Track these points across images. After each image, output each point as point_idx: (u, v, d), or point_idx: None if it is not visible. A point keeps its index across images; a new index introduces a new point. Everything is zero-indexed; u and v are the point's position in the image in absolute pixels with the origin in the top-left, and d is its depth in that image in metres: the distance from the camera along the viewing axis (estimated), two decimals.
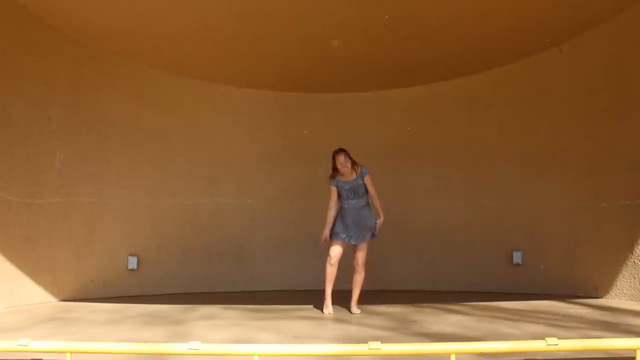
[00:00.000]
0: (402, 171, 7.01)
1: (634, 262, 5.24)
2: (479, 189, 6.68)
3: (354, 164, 4.89)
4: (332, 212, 4.91)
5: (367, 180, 4.89)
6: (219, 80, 6.84)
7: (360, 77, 6.78)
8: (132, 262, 6.26)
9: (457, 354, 2.42)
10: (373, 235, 4.87)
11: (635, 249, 5.23)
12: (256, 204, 7.02)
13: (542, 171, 6.23)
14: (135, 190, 6.37)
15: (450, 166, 6.85)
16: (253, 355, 2.39)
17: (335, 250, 4.81)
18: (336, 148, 4.93)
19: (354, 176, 4.89)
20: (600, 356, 2.94)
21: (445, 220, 6.80)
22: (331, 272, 4.83)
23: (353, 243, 4.83)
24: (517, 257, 6.38)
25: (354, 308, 4.83)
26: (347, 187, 4.87)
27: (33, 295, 5.37)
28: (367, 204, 4.89)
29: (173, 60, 6.32)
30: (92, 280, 5.96)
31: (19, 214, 5.27)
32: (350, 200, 4.84)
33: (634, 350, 2.41)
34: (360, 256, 4.84)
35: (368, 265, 4.88)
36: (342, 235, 4.80)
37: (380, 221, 4.83)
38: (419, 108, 7.04)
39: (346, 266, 4.88)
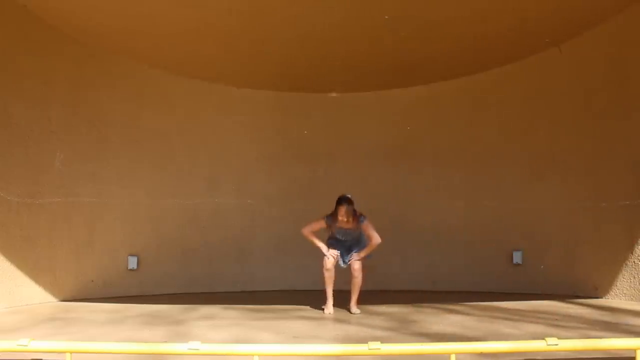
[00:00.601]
0: (402, 171, 7.01)
1: (634, 262, 5.24)
2: (479, 189, 6.68)
3: (355, 217, 4.77)
4: (312, 236, 4.89)
5: (366, 226, 4.78)
6: (219, 80, 6.84)
7: (360, 77, 6.77)
8: (132, 262, 6.26)
9: (457, 354, 2.42)
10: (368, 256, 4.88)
11: (635, 249, 5.23)
12: (256, 204, 7.01)
13: (542, 171, 6.24)
14: (135, 190, 6.37)
15: (450, 166, 6.84)
16: (253, 355, 2.39)
17: (332, 254, 4.84)
18: (343, 195, 4.81)
19: (352, 225, 4.82)
20: (600, 356, 2.94)
21: (445, 220, 6.79)
22: (328, 276, 4.84)
23: (344, 263, 4.85)
24: (517, 257, 6.38)
25: (354, 308, 4.84)
26: (342, 232, 4.86)
27: (33, 295, 5.37)
28: (360, 240, 4.90)
29: (173, 60, 6.32)
30: (92, 280, 5.96)
31: (19, 214, 5.27)
32: (345, 242, 4.88)
33: (634, 350, 2.41)
34: (356, 263, 4.82)
35: (366, 268, 4.88)
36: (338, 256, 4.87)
37: (361, 254, 4.82)
38: (419, 108, 7.03)
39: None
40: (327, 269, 4.80)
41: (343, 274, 4.92)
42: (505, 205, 6.49)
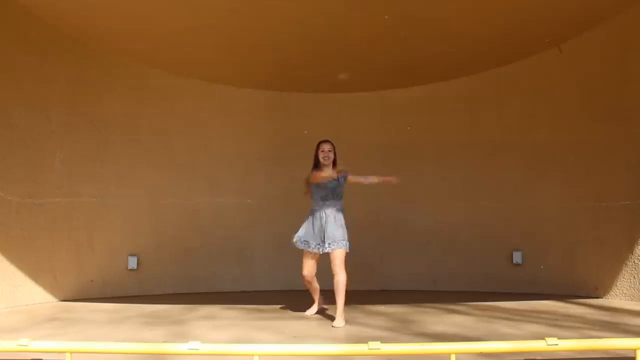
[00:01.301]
0: (402, 171, 6.98)
1: (634, 262, 5.24)
2: (479, 189, 6.68)
3: (335, 163, 4.52)
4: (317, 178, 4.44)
5: (351, 177, 4.50)
6: (219, 80, 6.84)
7: (360, 77, 6.78)
8: (132, 262, 6.26)
9: (457, 354, 2.42)
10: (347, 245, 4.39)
11: (635, 249, 5.23)
12: (256, 204, 7.02)
13: (542, 171, 6.24)
14: (135, 190, 6.37)
15: (450, 166, 6.85)
16: (253, 355, 2.39)
17: (307, 268, 4.50)
18: (322, 140, 4.61)
19: (335, 176, 4.44)
20: (600, 356, 2.94)
21: (445, 220, 6.80)
22: (311, 288, 4.64)
23: (325, 251, 4.35)
24: (517, 257, 6.38)
25: (338, 320, 4.17)
26: (329, 185, 4.44)
27: (33, 295, 5.37)
28: (341, 210, 4.48)
29: (173, 60, 6.33)
30: (92, 280, 5.97)
31: (19, 214, 5.27)
32: (327, 202, 4.44)
33: (634, 350, 2.41)
34: (337, 256, 4.29)
35: (348, 266, 4.35)
36: (311, 244, 4.42)
37: (387, 178, 4.49)
38: (419, 108, 7.04)
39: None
40: (307, 282, 4.56)
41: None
42: (505, 205, 6.50)
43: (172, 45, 5.92)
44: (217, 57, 6.25)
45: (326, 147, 4.55)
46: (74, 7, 5.16)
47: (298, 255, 6.81)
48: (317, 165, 4.59)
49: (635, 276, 5.21)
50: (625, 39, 5.40)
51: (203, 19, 5.31)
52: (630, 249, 5.27)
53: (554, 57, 6.05)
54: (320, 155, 4.54)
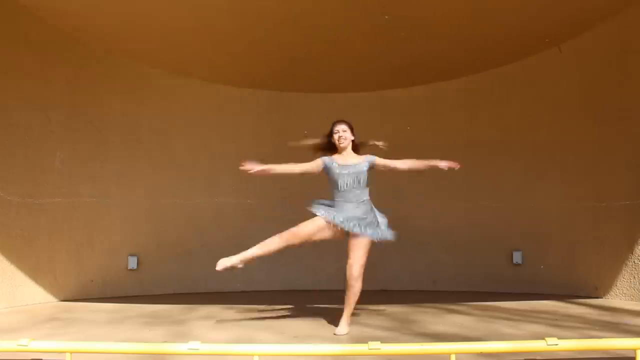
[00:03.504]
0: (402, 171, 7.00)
1: (634, 262, 5.24)
2: (479, 189, 6.68)
3: (355, 146, 3.99)
4: (290, 167, 3.97)
5: (379, 160, 3.90)
6: (219, 80, 6.84)
7: (360, 77, 6.78)
8: (132, 262, 6.26)
9: (457, 354, 2.42)
10: (377, 233, 3.89)
11: (635, 248, 5.23)
12: (256, 204, 7.01)
13: (542, 171, 6.24)
14: (135, 190, 6.37)
15: None
16: (253, 355, 2.38)
17: (307, 227, 3.87)
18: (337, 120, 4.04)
19: (355, 160, 3.88)
20: (600, 356, 2.94)
21: (445, 220, 6.80)
22: (274, 242, 4.01)
23: (345, 228, 3.76)
24: (517, 257, 6.39)
25: (343, 326, 3.83)
26: (346, 171, 3.81)
27: (33, 295, 5.37)
28: (369, 202, 3.89)
29: (173, 60, 6.33)
30: (92, 280, 5.97)
31: (19, 214, 5.27)
32: (350, 191, 3.79)
33: (634, 350, 2.41)
34: (356, 262, 3.79)
35: (365, 271, 3.99)
36: (332, 215, 3.77)
37: (443, 163, 3.85)
38: (419, 108, 7.03)
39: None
40: (280, 235, 3.92)
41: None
42: (505, 205, 6.50)
43: (172, 45, 5.92)
44: (217, 57, 6.25)
45: (340, 127, 3.94)
46: (74, 7, 5.16)
47: (297, 256, 6.82)
48: (332, 151, 4.02)
49: (635, 276, 5.21)
50: (625, 39, 5.40)
51: (203, 19, 5.31)
52: (630, 249, 5.27)
53: (554, 57, 6.05)
54: (335, 137, 3.93)
